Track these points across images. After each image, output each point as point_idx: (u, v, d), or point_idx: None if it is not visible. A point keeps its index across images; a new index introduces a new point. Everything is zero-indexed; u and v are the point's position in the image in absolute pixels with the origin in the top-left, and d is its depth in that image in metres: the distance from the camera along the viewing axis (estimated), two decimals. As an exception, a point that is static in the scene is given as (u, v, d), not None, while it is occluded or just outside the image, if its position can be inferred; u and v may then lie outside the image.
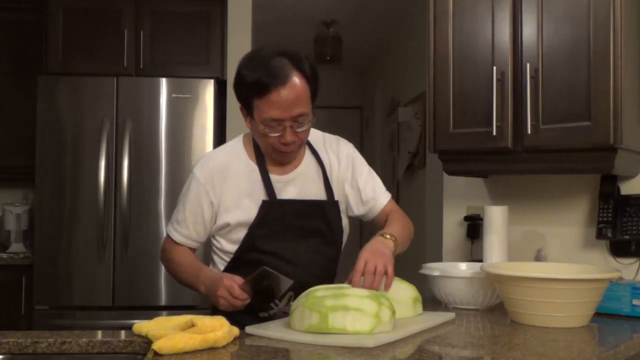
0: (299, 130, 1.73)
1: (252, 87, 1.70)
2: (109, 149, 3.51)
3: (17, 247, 3.91)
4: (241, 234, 1.83)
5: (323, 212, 1.87)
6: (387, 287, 1.70)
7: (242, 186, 1.83)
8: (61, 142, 3.52)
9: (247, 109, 1.77)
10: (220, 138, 3.77)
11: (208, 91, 3.55)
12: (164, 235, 1.89)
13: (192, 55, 3.79)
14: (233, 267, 1.85)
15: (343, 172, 1.93)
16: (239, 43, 3.85)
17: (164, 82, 3.56)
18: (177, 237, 1.89)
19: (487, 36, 2.19)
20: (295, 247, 1.84)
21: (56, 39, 3.72)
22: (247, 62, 1.74)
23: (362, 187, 1.94)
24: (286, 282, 1.65)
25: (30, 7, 3.88)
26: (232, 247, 1.86)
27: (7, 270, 3.62)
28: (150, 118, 3.54)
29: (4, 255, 3.74)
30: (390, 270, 1.71)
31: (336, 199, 1.91)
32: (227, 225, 1.83)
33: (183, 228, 1.88)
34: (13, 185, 4.15)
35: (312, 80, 1.73)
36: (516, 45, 2.13)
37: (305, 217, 1.84)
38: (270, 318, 1.78)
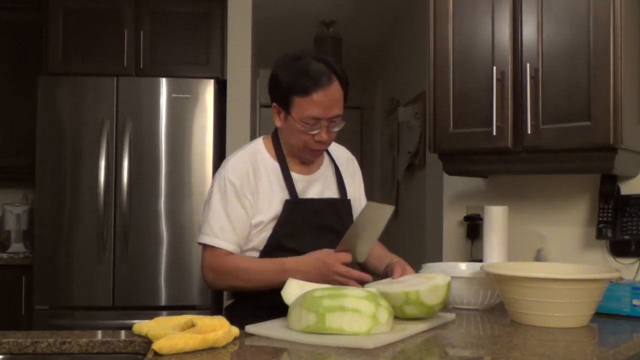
0: (333, 130, 1.86)
1: (294, 85, 1.80)
2: (109, 149, 3.51)
3: (17, 247, 3.91)
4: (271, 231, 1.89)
5: (338, 209, 1.97)
6: None
7: (271, 183, 1.89)
8: (61, 142, 3.52)
9: (285, 107, 1.84)
10: (220, 138, 3.77)
11: (208, 91, 3.55)
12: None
13: (192, 55, 3.79)
14: None
15: (355, 190, 2.08)
16: (239, 43, 3.86)
17: (164, 82, 3.56)
18: (227, 246, 1.85)
19: (487, 36, 2.19)
20: (316, 244, 1.87)
21: (56, 39, 3.72)
22: (287, 64, 1.85)
23: (360, 206, 2.07)
24: (389, 209, 1.81)
25: (30, 7, 3.87)
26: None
27: (7, 270, 3.61)
28: (150, 118, 3.54)
29: (4, 255, 3.74)
30: None
31: (349, 197, 2.03)
32: (261, 223, 1.87)
33: (230, 235, 1.85)
34: (13, 185, 4.15)
35: (345, 85, 1.87)
36: (516, 45, 2.13)
37: (323, 215, 1.93)
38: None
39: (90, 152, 3.51)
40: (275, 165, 1.91)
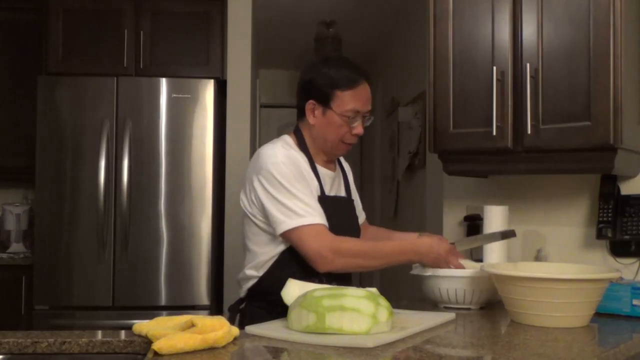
0: (366, 124, 1.99)
1: (339, 80, 1.92)
2: (109, 149, 3.51)
3: (17, 247, 3.91)
4: None
5: (345, 208, 2.06)
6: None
7: (309, 173, 1.95)
8: (61, 142, 3.52)
9: (324, 101, 1.93)
10: (220, 138, 3.77)
11: (208, 91, 3.55)
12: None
13: (192, 55, 3.79)
14: (290, 256, 1.92)
15: (354, 191, 2.19)
16: (239, 43, 3.86)
17: (164, 82, 3.56)
18: (324, 221, 1.86)
19: (487, 36, 2.19)
20: None
21: (56, 39, 3.72)
22: (323, 64, 1.97)
23: (356, 203, 2.20)
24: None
25: (30, 7, 3.88)
26: None
27: (7, 270, 3.62)
28: (150, 118, 3.54)
29: (4, 255, 3.74)
30: None
31: (352, 198, 2.15)
32: None
33: (320, 211, 1.88)
34: (13, 185, 4.15)
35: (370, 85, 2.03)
36: (516, 45, 2.13)
37: (339, 212, 1.99)
38: None
39: (90, 152, 3.51)
40: (305, 160, 1.97)
